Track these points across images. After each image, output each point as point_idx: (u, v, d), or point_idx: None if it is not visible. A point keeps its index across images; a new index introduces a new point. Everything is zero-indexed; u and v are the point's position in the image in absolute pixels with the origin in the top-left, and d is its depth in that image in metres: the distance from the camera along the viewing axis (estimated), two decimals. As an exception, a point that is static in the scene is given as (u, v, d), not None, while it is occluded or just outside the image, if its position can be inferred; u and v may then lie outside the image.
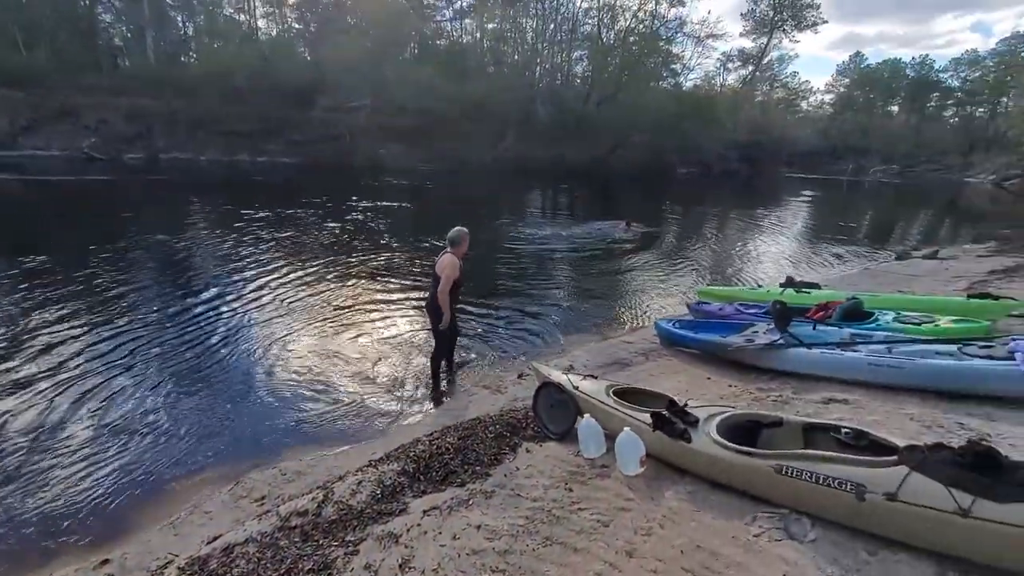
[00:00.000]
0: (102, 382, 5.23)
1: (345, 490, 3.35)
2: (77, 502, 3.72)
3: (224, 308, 7.30)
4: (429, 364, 5.42)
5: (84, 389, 5.11)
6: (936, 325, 5.31)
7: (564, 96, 41.94)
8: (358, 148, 33.15)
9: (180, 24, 42.10)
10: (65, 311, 6.88)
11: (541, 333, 6.97)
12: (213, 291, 7.97)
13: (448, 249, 5.07)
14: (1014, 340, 4.32)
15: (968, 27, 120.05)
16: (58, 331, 6.28)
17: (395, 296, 8.11)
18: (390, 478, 3.43)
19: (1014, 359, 4.10)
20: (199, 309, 7.22)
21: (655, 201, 23.70)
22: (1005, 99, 55.41)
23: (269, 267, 9.43)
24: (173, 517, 3.53)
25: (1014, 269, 9.94)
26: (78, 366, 5.52)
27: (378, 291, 8.34)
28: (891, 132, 56.57)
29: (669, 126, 38.76)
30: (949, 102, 60.24)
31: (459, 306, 5.39)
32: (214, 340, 6.22)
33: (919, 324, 5.35)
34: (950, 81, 59.46)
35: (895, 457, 2.66)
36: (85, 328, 6.41)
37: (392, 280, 8.99)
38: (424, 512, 3.08)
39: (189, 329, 6.51)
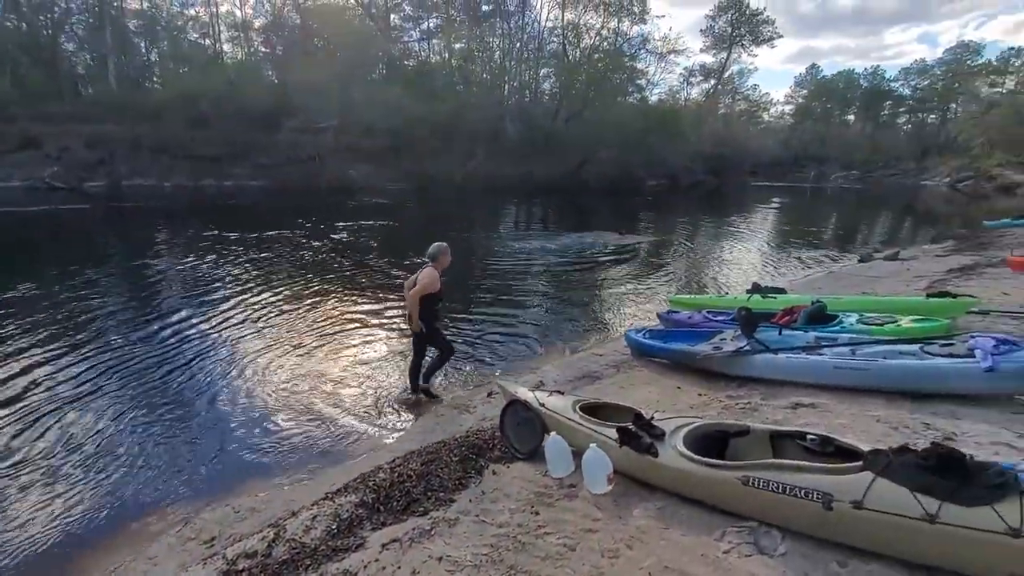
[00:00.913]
0: (55, 416, 4.95)
1: (298, 527, 3.16)
2: (9, 551, 3.44)
3: (189, 334, 7.07)
4: (408, 379, 5.40)
5: (34, 422, 4.82)
6: (898, 325, 5.36)
7: (533, 113, 42.42)
8: (326, 169, 32.88)
9: (143, 50, 41.51)
10: (22, 341, 6.54)
11: (513, 349, 6.91)
12: (177, 317, 7.73)
13: (428, 264, 5.10)
14: (973, 337, 4.37)
15: (915, 39, 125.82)
16: (10, 360, 5.95)
17: (364, 317, 8.01)
18: (347, 511, 3.25)
19: (974, 356, 4.13)
20: (163, 336, 6.97)
21: (626, 214, 23.98)
22: (954, 105, 58.01)
23: (235, 291, 9.21)
24: (115, 566, 3.28)
25: (971, 267, 10.21)
26: (30, 397, 5.22)
27: (347, 313, 8.22)
28: (848, 140, 58.65)
29: (636, 140, 39.43)
30: (901, 109, 62.82)
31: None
32: (176, 369, 5.99)
33: (882, 325, 5.39)
34: (901, 89, 62.12)
35: (860, 463, 2.60)
36: (39, 357, 6.09)
37: (362, 301, 8.88)
38: (383, 546, 2.91)
39: (151, 357, 6.26)
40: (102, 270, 10.72)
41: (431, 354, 5.42)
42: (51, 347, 6.48)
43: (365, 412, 5.15)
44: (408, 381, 5.41)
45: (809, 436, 2.98)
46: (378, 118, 34.35)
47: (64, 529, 3.64)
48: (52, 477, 4.14)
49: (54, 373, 5.77)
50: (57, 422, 4.85)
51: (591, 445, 3.30)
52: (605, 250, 14.31)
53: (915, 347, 4.51)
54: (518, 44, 44.93)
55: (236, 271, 10.72)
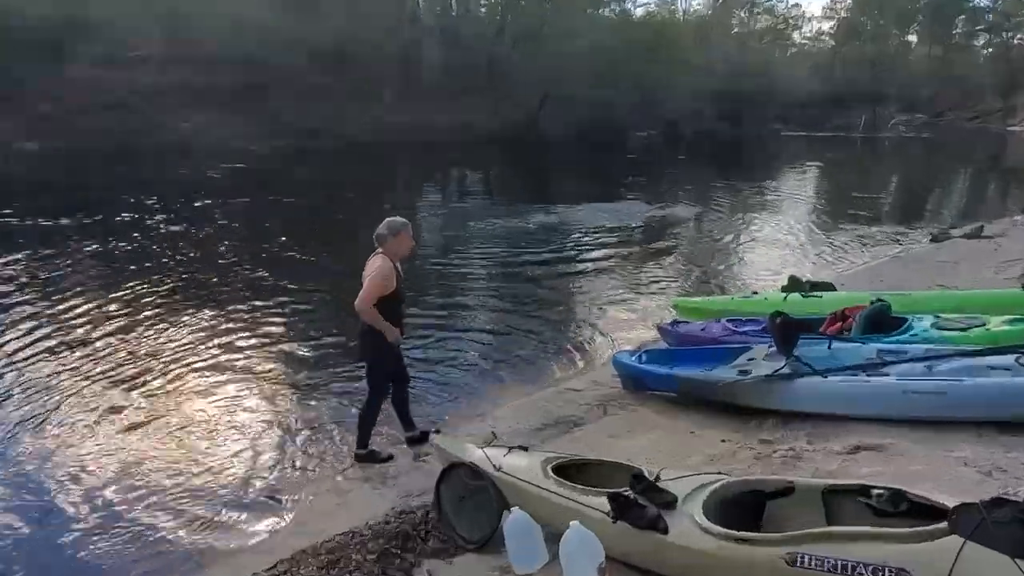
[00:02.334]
0: None
1: None
2: None
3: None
4: (358, 424, 5.41)
5: None
6: (987, 329, 5.70)
7: (463, 33, 42.50)
8: (147, 121, 31.75)
9: None
10: None
11: (452, 386, 6.93)
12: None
13: (378, 250, 5.10)
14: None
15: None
16: None
17: (227, 344, 7.92)
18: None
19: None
20: None
21: (605, 180, 24.39)
22: (1051, 20, 61.63)
23: (24, 309, 8.92)
24: None
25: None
26: None
27: (202, 338, 8.11)
28: (911, 70, 61.60)
29: (615, 72, 40.14)
30: (979, 28, 66.40)
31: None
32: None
33: (965, 330, 5.73)
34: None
35: (944, 524, 2.76)
36: None
37: (222, 321, 8.75)
38: None
39: None
40: None
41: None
42: None
43: (232, 490, 5.06)
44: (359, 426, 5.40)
45: (875, 491, 3.13)
46: (226, 42, 33.50)
47: None
48: None
49: None
50: None
51: (572, 523, 3.33)
52: (575, 232, 14.57)
53: (1010, 359, 4.81)
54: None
55: (19, 277, 10.29)
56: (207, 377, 7.05)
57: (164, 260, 11.95)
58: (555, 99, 39.82)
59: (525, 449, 4.13)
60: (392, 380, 5.40)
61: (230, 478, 5.24)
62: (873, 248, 13.28)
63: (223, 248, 13.00)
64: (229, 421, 6.12)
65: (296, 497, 5.00)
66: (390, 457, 5.36)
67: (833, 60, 65.46)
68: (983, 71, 61.51)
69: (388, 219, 5.15)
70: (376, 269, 4.97)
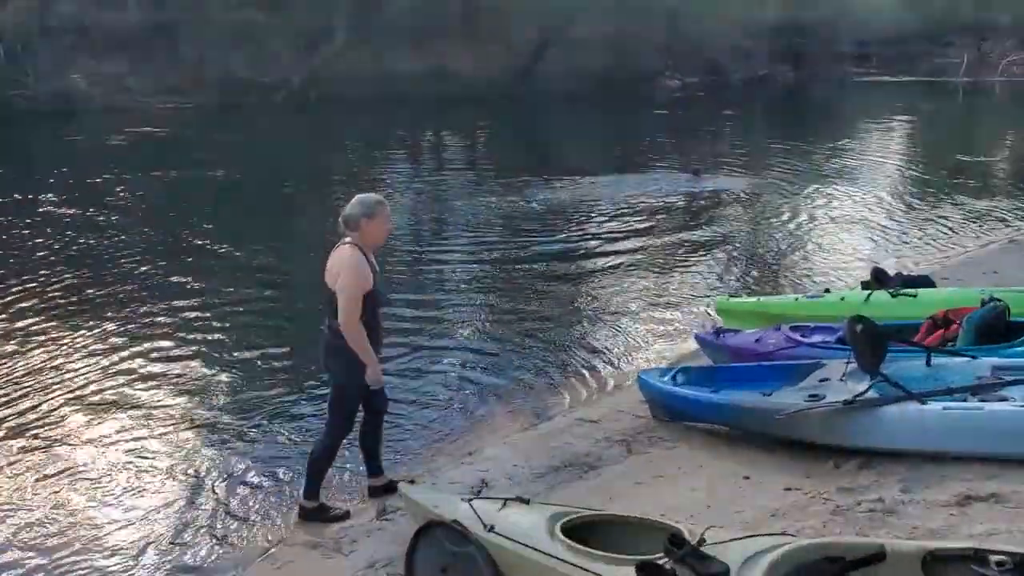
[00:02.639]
0: None
1: None
2: None
3: None
4: (307, 467, 5.42)
5: None
6: None
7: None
8: (27, 75, 31.64)
9: None
10: None
11: (427, 417, 6.93)
12: None
13: (345, 238, 5.12)
14: None
15: None
16: None
17: (136, 356, 8.10)
18: None
19: None
20: None
21: (625, 144, 24.36)
22: None
23: None
24: None
25: None
26: None
27: (98, 349, 8.25)
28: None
29: (641, 5, 40.01)
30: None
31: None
32: None
33: (1108, 338, 5.71)
34: None
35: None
36: None
37: (126, 323, 8.88)
38: None
39: None
40: None
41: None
42: None
43: (122, 572, 5.01)
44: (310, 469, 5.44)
45: (993, 556, 3.10)
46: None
47: None
48: None
49: None
50: None
51: (589, 603, 3.32)
52: (587, 213, 14.63)
53: None
54: None
55: None
56: (96, 410, 7.04)
57: (48, 256, 12.01)
58: (558, 43, 39.63)
59: (526, 502, 4.08)
60: (365, 409, 5.41)
61: (120, 554, 5.15)
62: (983, 231, 13.26)
63: (126, 238, 13.01)
64: (124, 470, 6.09)
65: (224, 565, 4.98)
66: (347, 514, 5.34)
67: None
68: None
69: (359, 196, 5.19)
70: (349, 270, 4.98)
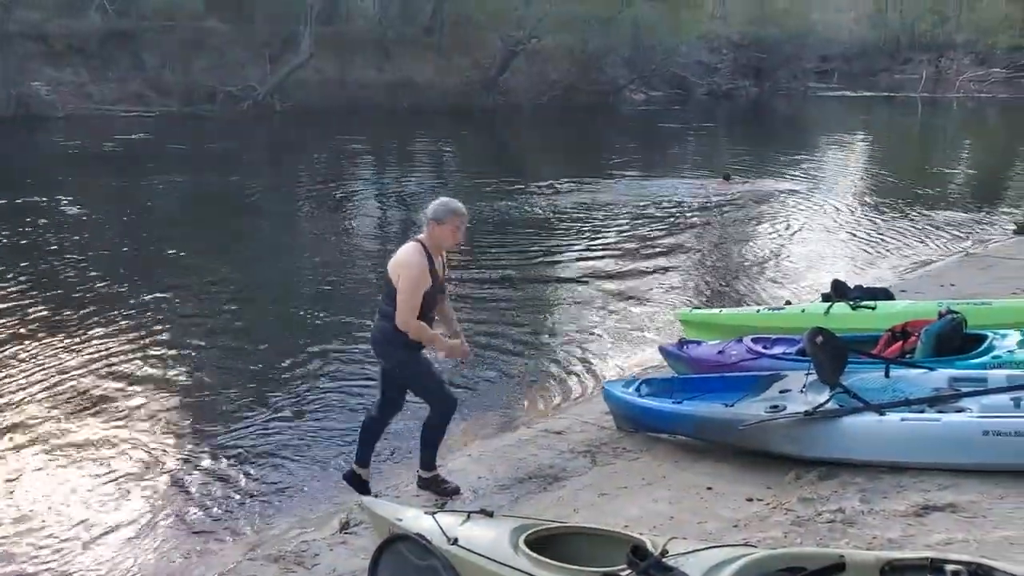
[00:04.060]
0: None
1: None
2: None
3: None
4: (422, 440, 5.61)
5: None
6: (1089, 348, 5.77)
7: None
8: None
9: None
10: None
11: (391, 428, 6.77)
12: None
13: (420, 234, 5.34)
14: None
15: None
16: None
17: (92, 371, 7.96)
18: None
19: None
20: None
21: (588, 154, 24.46)
22: None
23: None
24: None
25: None
26: None
27: (50, 365, 8.10)
28: (984, 11, 62.39)
29: (604, 16, 40.20)
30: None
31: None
32: None
33: (1063, 349, 5.78)
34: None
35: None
36: None
37: (83, 335, 8.71)
38: None
39: None
40: None
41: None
42: None
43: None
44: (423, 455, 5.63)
45: (950, 566, 3.12)
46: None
47: None
48: None
49: None
50: None
51: (552, 615, 3.30)
52: (547, 222, 14.70)
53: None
54: None
55: None
56: (45, 429, 6.93)
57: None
58: (526, 54, 39.74)
59: (489, 514, 4.04)
60: (386, 401, 5.64)
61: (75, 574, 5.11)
62: (941, 243, 13.45)
63: (84, 245, 12.87)
64: (79, 486, 6.03)
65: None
66: (456, 489, 5.55)
67: (886, 1, 66.23)
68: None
69: (443, 199, 5.39)
70: (407, 272, 5.14)
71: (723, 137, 31.07)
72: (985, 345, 5.92)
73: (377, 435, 5.77)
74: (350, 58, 37.28)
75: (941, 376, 5.44)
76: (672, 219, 15.45)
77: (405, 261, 5.18)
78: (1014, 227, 13.89)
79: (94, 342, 8.90)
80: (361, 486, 5.62)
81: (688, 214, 15.89)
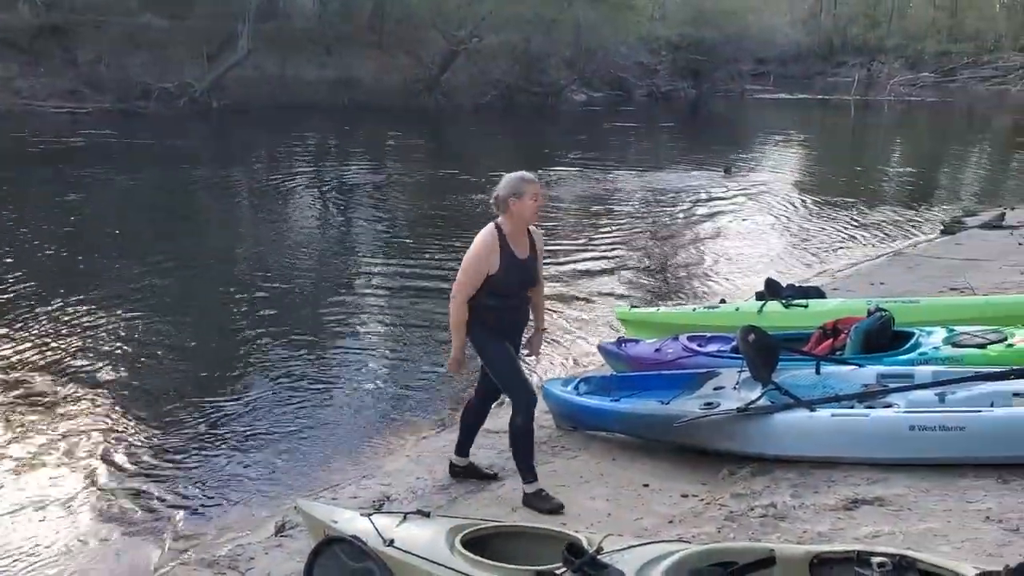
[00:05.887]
0: None
1: None
2: None
3: None
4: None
5: None
6: (1010, 345, 5.89)
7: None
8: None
9: None
10: None
11: (324, 430, 6.86)
12: None
13: (498, 218, 5.16)
14: None
15: None
16: None
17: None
18: None
19: None
20: None
21: (528, 153, 24.48)
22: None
23: None
24: None
25: None
26: None
27: None
28: (912, 18, 63.90)
29: (546, 15, 40.28)
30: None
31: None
32: None
33: (984, 346, 5.91)
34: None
35: (964, 597, 2.80)
36: None
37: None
38: None
39: None
40: None
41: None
42: None
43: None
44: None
45: (876, 558, 3.18)
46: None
47: None
48: None
49: None
50: None
51: (488, 614, 3.30)
52: (480, 220, 14.57)
53: (1040, 383, 4.98)
54: None
55: None
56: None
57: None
58: (468, 53, 39.67)
59: (426, 515, 4.05)
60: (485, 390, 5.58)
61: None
62: (870, 243, 13.72)
63: (13, 257, 12.42)
64: (19, 486, 5.90)
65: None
66: (495, 476, 5.63)
67: (817, 6, 67.53)
68: (999, 19, 64.31)
69: (508, 176, 5.14)
70: (470, 249, 5.05)
71: (661, 140, 31.32)
72: (912, 342, 6.07)
73: (475, 429, 5.68)
74: (291, 55, 36.84)
75: (870, 372, 5.57)
76: (612, 217, 15.57)
77: (474, 241, 5.09)
78: (941, 227, 14.24)
79: (18, 346, 8.73)
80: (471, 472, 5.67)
81: (628, 213, 16.02)
